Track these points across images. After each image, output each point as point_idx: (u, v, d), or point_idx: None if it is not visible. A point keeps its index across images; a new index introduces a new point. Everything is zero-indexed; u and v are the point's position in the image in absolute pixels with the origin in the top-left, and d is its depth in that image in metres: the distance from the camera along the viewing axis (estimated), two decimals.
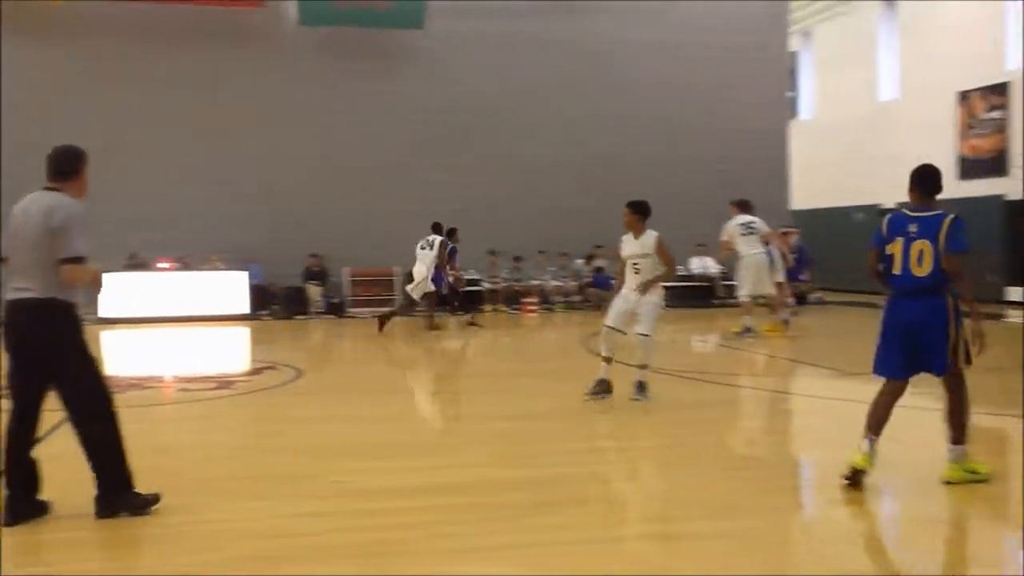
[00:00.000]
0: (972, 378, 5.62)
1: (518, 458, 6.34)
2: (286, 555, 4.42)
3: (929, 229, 5.40)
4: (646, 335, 8.23)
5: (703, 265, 20.79)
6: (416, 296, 15.35)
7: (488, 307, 19.36)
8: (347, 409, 8.47)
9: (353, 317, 18.59)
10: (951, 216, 5.46)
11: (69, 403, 4.94)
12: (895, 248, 5.46)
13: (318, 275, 18.86)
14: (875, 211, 23.02)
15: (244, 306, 17.74)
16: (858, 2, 24.33)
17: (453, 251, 16.02)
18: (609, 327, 8.32)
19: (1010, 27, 19.75)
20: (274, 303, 18.56)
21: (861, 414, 8.10)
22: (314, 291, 18.66)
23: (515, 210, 19.83)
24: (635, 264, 8.34)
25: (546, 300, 19.72)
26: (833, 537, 4.84)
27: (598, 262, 19.70)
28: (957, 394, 5.55)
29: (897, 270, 5.46)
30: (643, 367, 8.39)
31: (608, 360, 8.33)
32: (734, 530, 4.71)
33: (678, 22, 21.21)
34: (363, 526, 4.84)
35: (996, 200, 19.33)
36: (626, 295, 8.36)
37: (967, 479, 5.46)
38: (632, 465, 6.13)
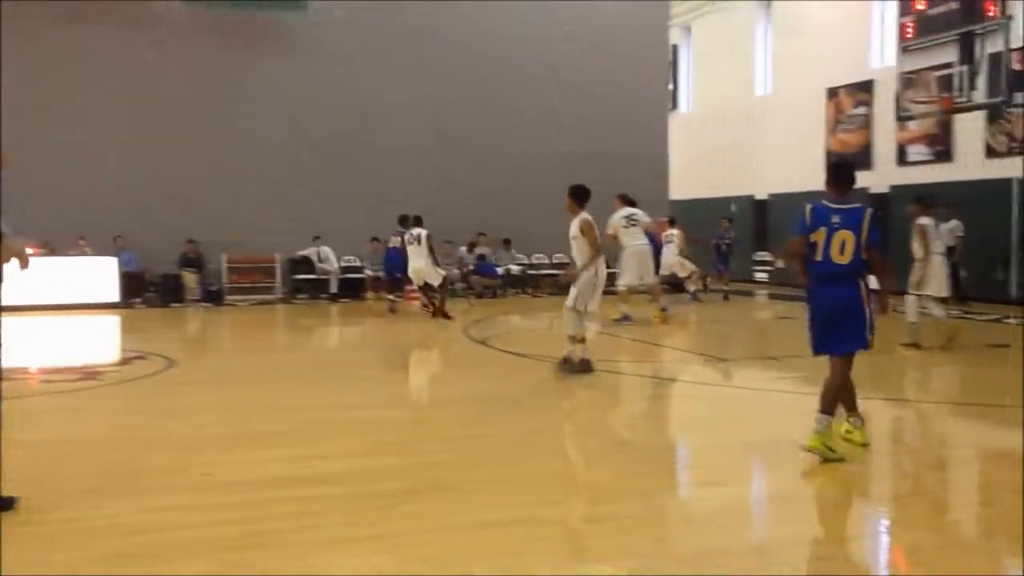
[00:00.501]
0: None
1: (393, 446, 6.36)
2: (156, 551, 4.35)
3: (852, 220, 5.81)
4: (566, 306, 9.02)
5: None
6: (435, 284, 15.33)
7: (371, 295, 19.22)
8: (219, 399, 8.29)
9: (232, 305, 18.18)
10: (870, 210, 5.90)
11: None
12: (818, 236, 5.83)
13: (195, 262, 18.33)
14: (749, 201, 23.89)
15: (113, 294, 17.07)
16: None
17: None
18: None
19: (874, 27, 20.73)
20: (148, 291, 17.96)
21: (734, 398, 8.45)
22: (190, 278, 18.13)
23: (397, 197, 19.71)
24: (572, 244, 9.08)
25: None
26: (702, 517, 5.04)
27: (481, 249, 19.81)
28: (840, 370, 5.95)
29: (819, 257, 5.84)
30: (571, 338, 9.06)
31: (571, 339, 9.03)
32: (605, 513, 4.85)
33: (559, 14, 21.45)
34: (233, 519, 4.77)
35: (861, 193, 20.27)
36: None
37: (825, 453, 5.76)
38: (507, 451, 6.21)
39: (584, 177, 21.38)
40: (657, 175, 22.19)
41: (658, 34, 22.81)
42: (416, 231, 15.30)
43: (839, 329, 5.88)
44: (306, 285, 19.35)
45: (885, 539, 4.79)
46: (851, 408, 6.16)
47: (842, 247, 5.77)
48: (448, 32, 20.40)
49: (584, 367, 9.02)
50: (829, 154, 21.85)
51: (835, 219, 5.84)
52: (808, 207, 6.00)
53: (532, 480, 5.46)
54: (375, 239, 19.36)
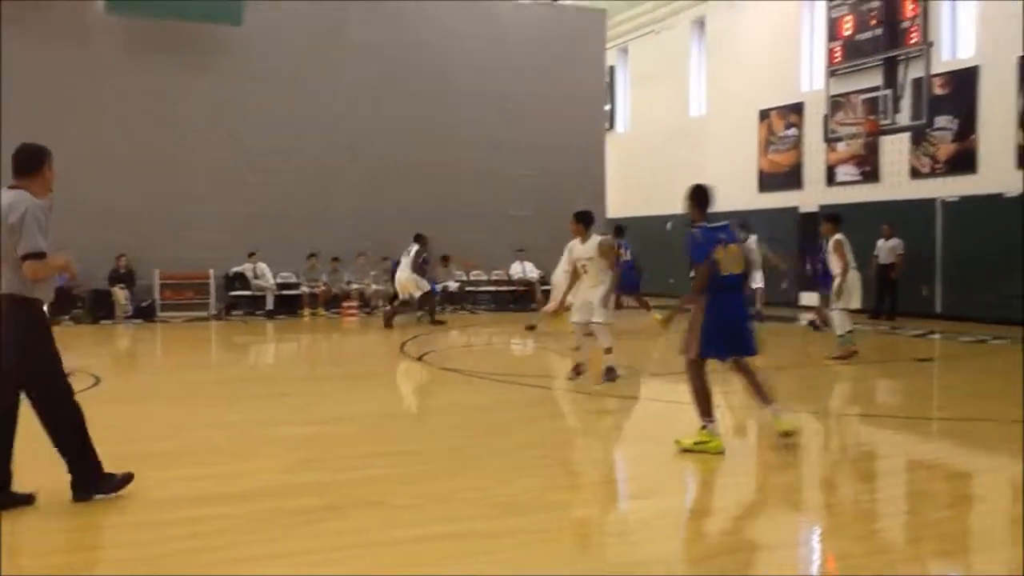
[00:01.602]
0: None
1: (316, 463, 6.27)
2: (82, 570, 4.28)
3: (731, 235, 6.49)
4: (602, 322, 9.51)
5: (523, 269, 21.23)
6: (416, 296, 16.45)
7: (307, 311, 19.02)
8: (145, 417, 8.10)
9: (164, 322, 17.83)
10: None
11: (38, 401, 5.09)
12: (720, 253, 6.35)
13: (125, 278, 17.94)
14: (685, 221, 24.23)
15: None
16: (670, 20, 25.52)
17: (426, 260, 17.08)
18: (575, 322, 9.65)
19: (804, 51, 21.28)
20: (77, 307, 17.51)
21: (657, 412, 8.51)
22: (120, 294, 17.72)
23: (335, 211, 19.60)
24: (583, 265, 9.59)
25: (367, 304, 19.57)
26: (624, 529, 5.07)
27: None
28: (750, 371, 6.60)
29: (724, 271, 6.36)
30: (608, 351, 9.58)
31: (577, 348, 9.75)
32: (519, 527, 4.84)
33: (499, 32, 21.62)
34: (159, 538, 4.66)
35: (793, 212, 20.75)
36: (583, 292, 9.60)
37: (695, 448, 6.30)
38: (429, 467, 6.17)
39: (522, 195, 21.79)
40: (595, 194, 22.39)
41: (595, 56, 23.11)
42: (412, 246, 16.27)
43: (734, 335, 6.41)
44: (241, 301, 19.07)
45: (814, 547, 4.87)
46: (706, 413, 6.43)
47: (734, 260, 6.39)
48: (390, 49, 20.40)
49: (612, 375, 9.63)
50: (762, 174, 22.32)
51: (721, 236, 6.41)
52: (697, 232, 6.45)
53: (457, 495, 5.43)
54: (313, 255, 19.19)
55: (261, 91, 19.30)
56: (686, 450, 6.36)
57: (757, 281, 16.43)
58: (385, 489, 5.57)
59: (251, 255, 18.87)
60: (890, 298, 17.22)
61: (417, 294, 16.36)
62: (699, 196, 6.56)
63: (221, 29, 18.86)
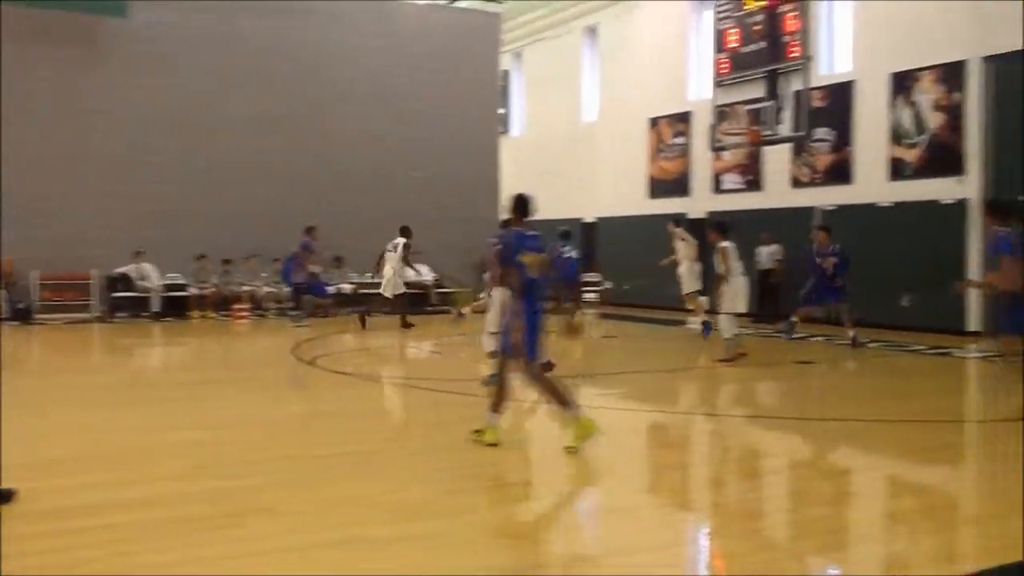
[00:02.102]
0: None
1: (212, 469, 6.16)
2: None
3: (540, 244, 6.89)
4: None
5: (418, 272, 21.12)
6: (388, 295, 16.35)
7: (196, 313, 18.53)
8: (26, 424, 7.75)
9: (43, 324, 17.08)
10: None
11: None
12: (530, 258, 6.69)
13: (1, 279, 17.08)
14: (578, 224, 24.58)
15: None
16: (564, 26, 25.88)
17: (307, 246, 16.81)
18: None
19: (692, 62, 21.91)
20: None
21: (554, 415, 8.63)
22: None
23: (225, 211, 19.14)
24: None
25: (258, 306, 19.19)
26: (519, 532, 5.14)
27: (313, 268, 19.42)
28: (508, 371, 6.83)
29: (534, 274, 6.70)
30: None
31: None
32: (416, 532, 4.87)
33: (393, 33, 21.52)
34: (45, 548, 4.50)
35: (681, 218, 21.31)
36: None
37: (481, 441, 6.68)
38: (324, 472, 6.13)
39: (419, 199, 21.74)
40: (489, 197, 22.54)
41: (490, 59, 23.24)
42: (397, 240, 16.21)
43: (537, 337, 6.78)
44: (126, 303, 18.43)
45: (701, 546, 5.06)
46: (496, 408, 6.76)
47: (542, 266, 6.79)
48: (282, 47, 20.08)
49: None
50: (652, 180, 22.86)
51: (530, 243, 6.80)
52: (512, 236, 6.86)
53: (353, 501, 5.42)
54: (202, 255, 18.70)
55: (149, 87, 18.72)
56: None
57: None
58: (280, 495, 5.51)
59: (137, 255, 18.27)
60: (772, 303, 17.89)
61: (388, 293, 16.29)
62: (519, 204, 7.04)
63: (108, 22, 18.20)
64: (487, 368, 9.84)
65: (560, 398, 6.72)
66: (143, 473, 6.01)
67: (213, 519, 4.98)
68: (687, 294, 15.28)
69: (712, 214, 20.19)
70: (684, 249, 15.25)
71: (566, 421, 6.67)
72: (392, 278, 16.33)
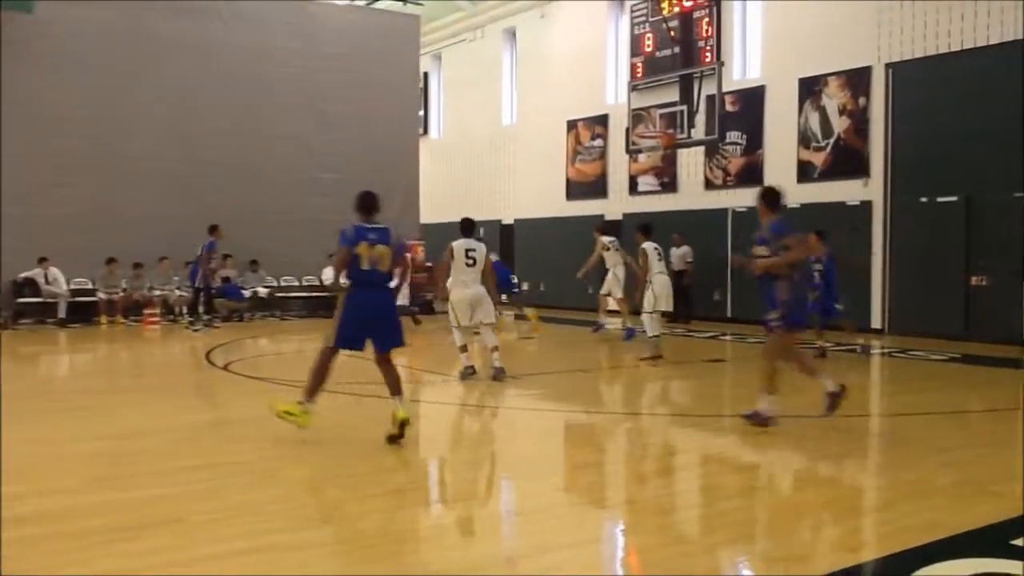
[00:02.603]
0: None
1: (109, 480, 5.93)
2: None
3: (385, 238, 7.01)
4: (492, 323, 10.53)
5: (335, 275, 20.88)
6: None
7: (104, 319, 17.96)
8: None
9: None
10: (392, 229, 7.18)
11: None
12: (363, 249, 6.85)
13: None
14: (497, 225, 24.62)
15: None
16: (483, 29, 25.91)
17: (211, 246, 16.45)
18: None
19: (609, 65, 22.16)
20: None
21: (469, 416, 8.59)
22: None
23: (134, 215, 18.61)
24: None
25: (170, 311, 18.71)
26: (432, 535, 5.13)
27: (226, 271, 19.06)
28: (328, 359, 7.02)
29: (365, 265, 6.86)
30: (495, 349, 10.39)
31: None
32: (325, 538, 4.79)
33: (312, 33, 21.24)
34: None
35: (599, 219, 21.50)
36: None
37: (283, 416, 6.97)
38: (231, 481, 5.97)
39: (337, 200, 21.46)
40: (408, 199, 22.42)
41: (409, 61, 23.10)
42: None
43: (380, 329, 6.93)
44: (29, 309, 17.77)
45: (616, 542, 5.09)
46: (312, 393, 7.04)
47: (382, 259, 6.93)
48: (197, 45, 19.67)
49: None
50: (569, 182, 23.02)
51: (372, 236, 6.96)
52: (350, 227, 7.05)
53: (260, 508, 5.30)
54: (112, 259, 18.14)
55: (57, 86, 18.11)
56: (278, 415, 6.99)
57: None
58: (183, 506, 5.34)
59: (41, 261, 17.61)
60: (685, 304, 18.20)
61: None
62: (363, 201, 7.23)
63: (14, 17, 17.48)
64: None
65: (313, 386, 6.99)
66: (38, 487, 5.75)
67: (111, 532, 4.78)
68: (620, 298, 15.23)
69: (628, 216, 20.46)
70: (611, 256, 15.23)
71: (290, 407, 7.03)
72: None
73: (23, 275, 17.69)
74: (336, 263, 7.14)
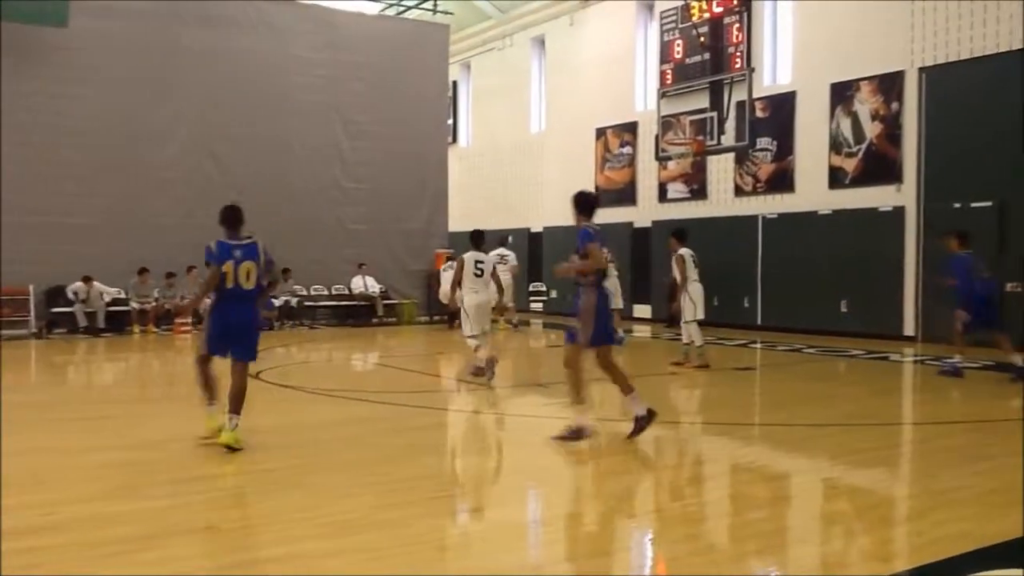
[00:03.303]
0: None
1: (135, 489, 5.93)
2: None
3: (251, 254, 7.11)
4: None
5: (364, 284, 21.00)
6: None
7: (137, 328, 18.14)
8: None
9: None
10: (262, 243, 7.27)
11: None
12: (228, 268, 7.00)
13: None
14: (525, 233, 24.60)
15: None
16: (512, 37, 25.94)
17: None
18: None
19: (639, 73, 22.09)
20: None
21: (501, 425, 8.54)
22: None
23: (167, 225, 18.77)
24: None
25: (200, 320, 18.81)
26: (458, 543, 5.10)
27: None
28: (241, 375, 7.21)
29: (230, 283, 7.01)
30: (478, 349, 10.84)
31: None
32: (350, 546, 4.75)
33: (340, 43, 21.35)
34: None
35: (628, 227, 21.44)
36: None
37: (236, 445, 6.89)
38: (257, 488, 5.96)
39: (364, 208, 21.52)
40: (437, 208, 22.48)
41: (438, 70, 23.16)
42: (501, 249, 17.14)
43: (240, 341, 7.11)
44: (62, 319, 17.98)
45: (646, 551, 5.03)
46: (212, 398, 7.31)
47: (248, 275, 7.04)
48: (225, 56, 19.80)
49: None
50: (598, 190, 22.95)
51: (237, 253, 7.06)
52: (214, 244, 7.12)
53: (286, 516, 5.27)
54: (144, 269, 18.33)
55: (88, 97, 18.33)
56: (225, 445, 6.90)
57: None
58: (210, 514, 5.35)
59: (87, 279, 17.80)
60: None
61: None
62: (227, 215, 7.33)
63: (46, 31, 17.74)
64: (415, 379, 9.76)
65: (208, 392, 7.23)
66: (65, 495, 5.77)
67: (136, 541, 4.77)
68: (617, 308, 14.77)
69: (657, 223, 20.34)
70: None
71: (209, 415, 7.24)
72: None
73: (69, 288, 17.85)
74: (205, 284, 7.26)
